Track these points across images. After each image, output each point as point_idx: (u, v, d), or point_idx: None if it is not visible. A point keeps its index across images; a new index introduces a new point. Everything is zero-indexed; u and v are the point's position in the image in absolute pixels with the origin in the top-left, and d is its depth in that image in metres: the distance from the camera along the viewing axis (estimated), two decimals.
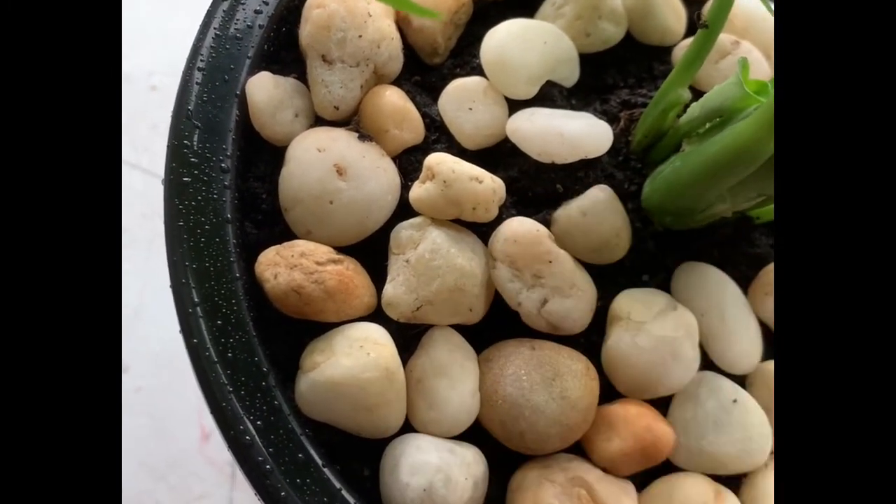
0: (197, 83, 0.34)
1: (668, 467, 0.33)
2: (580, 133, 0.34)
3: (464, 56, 0.38)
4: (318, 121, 0.36)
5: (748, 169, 0.27)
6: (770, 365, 0.34)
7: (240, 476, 0.61)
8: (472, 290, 0.33)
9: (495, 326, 0.34)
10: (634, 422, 0.32)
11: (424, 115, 0.36)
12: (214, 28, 0.35)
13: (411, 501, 0.30)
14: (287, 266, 0.32)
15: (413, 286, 0.32)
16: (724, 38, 0.37)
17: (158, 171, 0.64)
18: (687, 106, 0.33)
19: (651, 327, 0.32)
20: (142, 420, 0.60)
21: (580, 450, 0.33)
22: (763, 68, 0.38)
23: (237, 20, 0.36)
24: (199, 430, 0.61)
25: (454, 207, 0.33)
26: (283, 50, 0.37)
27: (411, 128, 0.36)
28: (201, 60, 0.35)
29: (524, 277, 0.33)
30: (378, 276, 0.34)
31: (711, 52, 0.33)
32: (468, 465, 0.31)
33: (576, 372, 0.32)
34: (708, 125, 0.32)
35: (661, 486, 0.32)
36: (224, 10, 0.36)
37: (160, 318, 0.62)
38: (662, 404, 0.34)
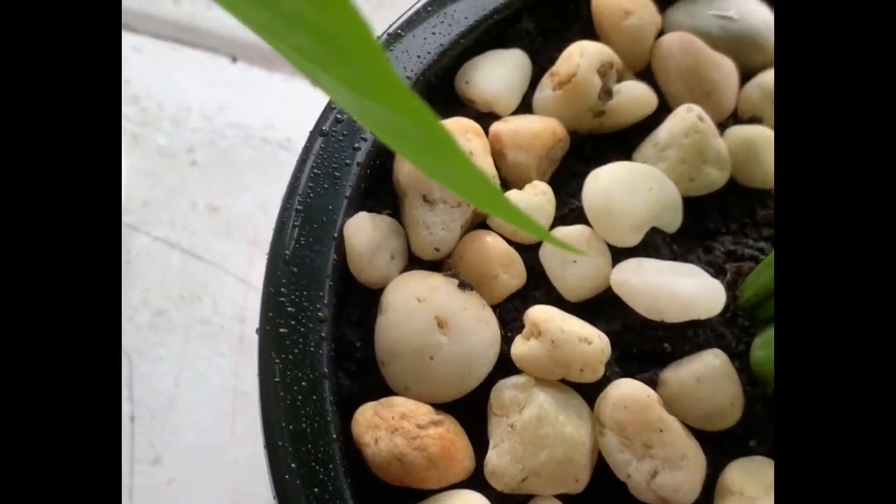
0: (295, 225, 0.33)
1: None
2: (693, 294, 0.33)
3: (561, 195, 0.36)
4: (412, 261, 0.35)
5: None
6: None
7: None
8: (581, 460, 0.31)
9: (600, 495, 0.32)
10: None
11: (523, 259, 0.35)
12: (312, 166, 0.34)
13: None
14: (388, 430, 0.30)
15: (519, 455, 0.31)
16: None
17: (198, 252, 0.62)
18: None
19: (764, 503, 0.31)
20: None
21: None
22: None
23: (335, 157, 0.34)
24: None
25: (561, 369, 0.32)
26: (377, 186, 0.36)
27: (518, 272, 0.34)
28: (299, 201, 0.33)
29: (634, 447, 0.31)
30: (476, 435, 0.32)
31: None
32: None
33: None
34: None
35: None
36: (321, 147, 0.35)
37: (195, 408, 0.60)
38: None
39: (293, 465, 0.30)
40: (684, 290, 0.33)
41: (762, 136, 0.38)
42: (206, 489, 0.58)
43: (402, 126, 0.18)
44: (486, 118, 0.37)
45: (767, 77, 0.40)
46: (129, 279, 0.61)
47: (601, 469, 0.32)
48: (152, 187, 0.65)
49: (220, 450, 0.57)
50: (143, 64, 0.67)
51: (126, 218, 0.62)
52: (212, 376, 0.59)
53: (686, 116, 0.36)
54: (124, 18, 0.69)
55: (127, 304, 0.60)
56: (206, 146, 0.67)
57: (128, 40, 0.69)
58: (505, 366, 0.33)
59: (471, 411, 0.33)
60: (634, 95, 0.37)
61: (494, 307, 0.34)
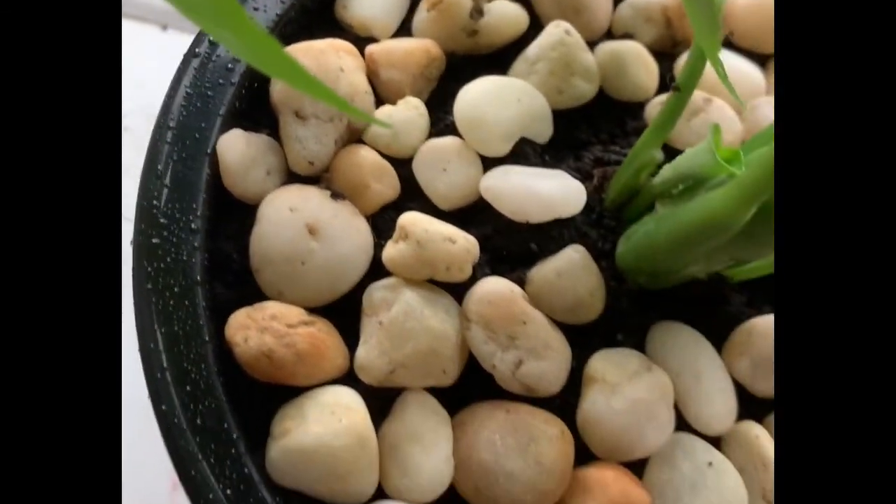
0: (167, 142, 0.34)
1: None
2: (555, 193, 0.34)
3: (437, 113, 0.38)
4: (290, 177, 0.36)
5: (721, 238, 0.27)
6: (746, 427, 0.34)
7: None
8: (446, 352, 0.32)
9: (469, 388, 0.33)
10: (610, 486, 0.32)
11: (399, 174, 0.36)
12: (185, 86, 0.35)
13: None
14: (258, 329, 0.32)
15: (386, 349, 0.32)
16: (696, 95, 0.38)
17: (128, 214, 0.63)
18: (660, 166, 0.33)
19: (626, 389, 0.32)
20: None
21: None
22: (735, 127, 0.38)
23: (208, 78, 0.35)
24: (169, 479, 0.60)
25: (427, 268, 0.33)
26: (255, 107, 0.37)
27: (390, 183, 0.35)
28: (171, 119, 0.34)
29: (499, 339, 0.32)
30: (350, 337, 0.33)
31: (684, 110, 0.33)
32: None
33: (551, 437, 0.32)
34: (681, 187, 0.32)
35: None
36: (195, 69, 0.35)
37: (130, 364, 0.61)
38: (638, 466, 0.33)
39: (165, 365, 0.31)
40: (545, 190, 0.34)
41: (631, 50, 0.39)
42: (144, 442, 0.59)
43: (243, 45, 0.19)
44: (366, 42, 0.39)
45: None
46: None
47: (472, 366, 0.33)
48: None
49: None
50: None
51: None
52: None
53: (554, 31, 0.38)
54: None
55: None
56: (138, 113, 0.68)
57: None
58: (378, 272, 0.34)
59: (345, 315, 0.34)
60: (505, 14, 0.39)
61: (370, 218, 0.35)
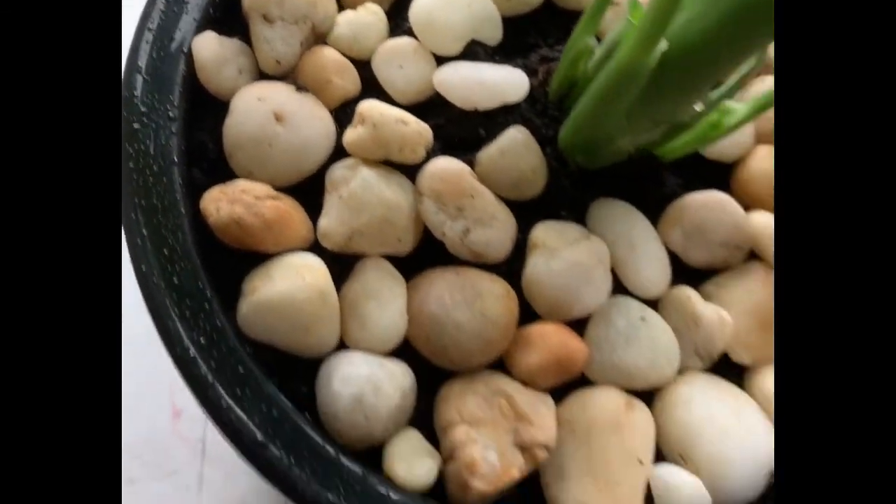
0: (147, 42, 0.38)
1: (584, 383, 0.36)
2: (498, 79, 0.37)
3: (396, 20, 0.41)
4: (261, 77, 0.39)
5: (632, 88, 0.30)
6: (679, 290, 0.37)
7: (209, 451, 0.64)
8: (400, 221, 0.36)
9: (425, 258, 0.37)
10: (550, 338, 0.35)
11: (360, 75, 0.39)
12: None
13: (343, 409, 0.33)
14: (228, 201, 0.35)
15: (345, 218, 0.35)
16: None
17: None
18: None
19: (565, 253, 0.35)
20: None
21: (503, 369, 0.36)
22: None
23: None
24: (170, 408, 0.64)
25: (382, 148, 0.36)
26: (229, 15, 0.40)
27: (351, 78, 0.39)
28: (151, 23, 0.38)
29: (448, 210, 0.36)
30: (315, 214, 0.37)
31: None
32: (396, 377, 0.34)
33: (496, 293, 0.35)
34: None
35: (577, 398, 0.35)
36: None
37: (131, 298, 0.64)
38: (580, 327, 0.36)
39: (145, 232, 0.34)
40: (490, 77, 0.37)
41: None
42: (146, 374, 0.63)
43: None
44: None
45: None
46: None
47: (428, 241, 0.37)
48: None
49: (156, 336, 0.62)
50: None
51: None
52: None
53: None
54: None
55: None
56: None
57: None
58: (340, 157, 0.37)
59: (310, 195, 0.37)
60: None
61: (333, 112, 0.39)
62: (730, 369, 0.37)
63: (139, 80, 0.37)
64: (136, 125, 0.36)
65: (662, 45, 0.29)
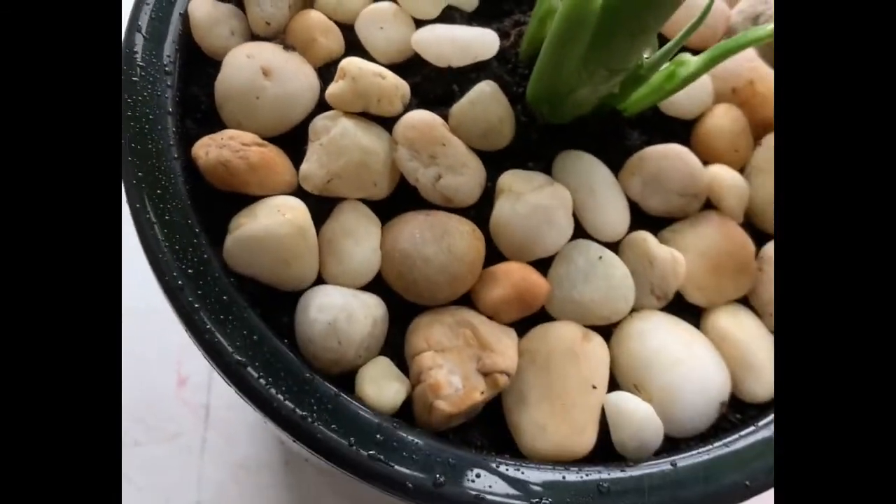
0: (147, 3, 0.41)
1: (545, 318, 0.38)
2: (470, 37, 0.40)
3: None
4: (252, 39, 0.42)
5: (582, 33, 0.32)
6: (636, 234, 0.39)
7: (212, 416, 0.67)
8: (376, 166, 0.38)
9: (400, 203, 0.39)
10: (513, 274, 0.37)
11: (344, 37, 0.42)
12: None
13: (318, 333, 0.35)
14: (217, 146, 0.38)
15: (324, 162, 0.38)
16: None
17: None
18: None
19: (529, 197, 0.38)
20: (122, 366, 0.65)
21: (470, 304, 0.38)
22: None
23: None
24: (175, 375, 0.67)
25: (361, 100, 0.39)
26: None
27: (335, 38, 0.42)
28: None
29: (421, 158, 0.38)
30: (299, 163, 0.39)
31: None
32: (369, 306, 0.37)
33: (462, 232, 0.37)
34: None
35: (538, 331, 0.38)
36: None
37: (137, 268, 0.67)
38: (543, 268, 0.39)
39: (139, 173, 0.37)
40: (462, 35, 0.40)
41: None
42: (152, 343, 0.66)
43: None
44: None
45: None
46: None
47: (403, 189, 0.39)
48: None
49: (163, 305, 0.65)
50: None
51: None
52: None
53: None
54: None
55: None
56: None
57: None
58: (324, 111, 0.40)
59: (297, 146, 0.40)
60: None
61: (318, 71, 0.41)
62: (685, 310, 0.40)
63: (139, 38, 0.40)
64: (134, 78, 0.39)
65: None
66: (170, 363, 0.68)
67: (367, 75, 0.38)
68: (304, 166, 0.38)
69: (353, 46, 0.42)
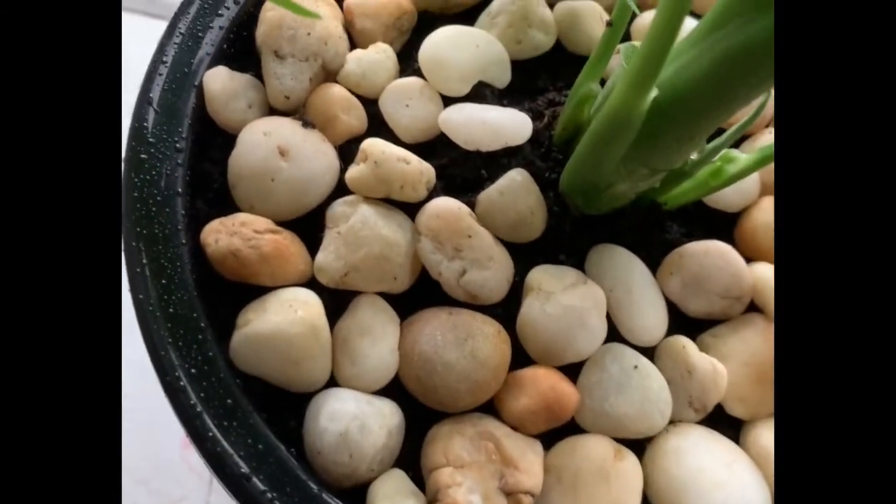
0: (159, 74, 0.38)
1: (574, 429, 0.35)
2: (501, 120, 0.37)
3: (407, 62, 0.42)
4: (270, 112, 0.40)
5: (626, 134, 0.30)
6: (674, 339, 0.37)
7: (217, 481, 0.64)
8: (397, 259, 0.36)
9: (420, 297, 0.37)
10: (541, 382, 0.34)
11: (367, 112, 0.40)
12: (179, 28, 0.39)
13: (328, 444, 0.33)
14: (228, 233, 0.35)
15: (342, 254, 0.36)
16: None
17: None
18: None
19: (560, 297, 0.35)
20: (126, 426, 0.62)
21: (493, 412, 0.35)
22: None
23: (199, 22, 0.40)
24: (180, 436, 0.64)
25: (384, 186, 0.36)
26: (243, 52, 0.41)
27: (358, 115, 0.39)
28: (165, 56, 0.39)
29: (445, 250, 0.36)
30: (314, 249, 0.37)
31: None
32: (384, 415, 0.34)
33: (487, 334, 0.35)
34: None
35: (566, 445, 0.35)
36: (190, 14, 0.40)
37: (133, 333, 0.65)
38: (574, 373, 0.36)
39: (144, 261, 0.35)
40: (493, 118, 0.37)
41: (587, 7, 0.43)
42: (156, 404, 0.62)
43: None
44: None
45: None
46: None
47: (425, 280, 0.37)
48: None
49: None
50: None
51: None
52: None
53: None
54: None
55: None
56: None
57: None
58: (342, 194, 0.38)
59: (312, 231, 0.37)
60: None
61: (339, 148, 0.39)
62: (725, 422, 0.37)
63: (150, 112, 0.38)
64: (143, 155, 0.37)
65: (654, 92, 0.29)
66: (174, 423, 0.65)
67: (390, 160, 0.36)
68: (319, 257, 0.36)
69: (376, 122, 0.40)
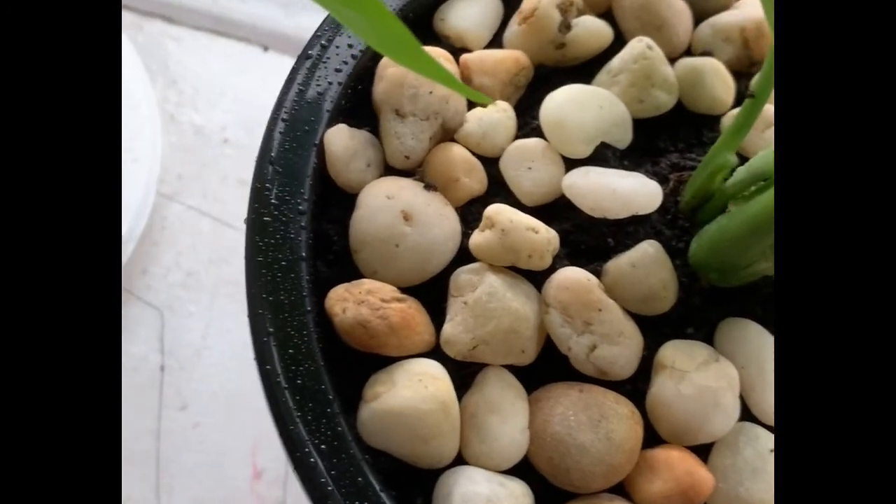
0: (280, 132, 0.38)
1: None
2: (632, 190, 0.36)
3: (524, 118, 0.41)
4: (388, 170, 0.39)
5: None
6: None
7: None
8: (526, 332, 0.35)
9: (546, 369, 0.36)
10: (676, 466, 0.33)
11: (487, 172, 0.39)
12: (298, 83, 0.39)
13: None
14: (355, 302, 0.35)
15: (470, 326, 0.35)
16: (769, 108, 0.40)
17: (227, 220, 0.68)
18: (733, 170, 0.35)
19: (694, 376, 0.34)
20: (198, 457, 0.62)
21: (623, 492, 0.35)
22: None
23: (318, 77, 0.39)
24: (251, 468, 0.64)
25: (511, 255, 0.35)
26: (358, 106, 0.40)
27: (479, 178, 0.38)
28: (285, 112, 0.38)
29: (575, 324, 0.35)
30: (437, 316, 0.36)
31: (757, 120, 0.35)
32: (517, 497, 0.33)
33: (621, 415, 0.34)
34: (753, 188, 0.34)
35: None
36: (307, 69, 0.39)
37: (220, 359, 0.65)
38: (703, 451, 0.35)
39: (271, 329, 0.34)
40: (623, 187, 0.36)
41: (709, 65, 0.41)
42: (229, 433, 0.63)
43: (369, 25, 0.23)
44: (461, 52, 0.42)
45: (719, 18, 0.43)
46: (164, 244, 0.67)
47: (549, 350, 0.36)
48: (187, 162, 0.71)
49: (242, 397, 0.62)
50: (181, 52, 0.75)
51: (162, 189, 0.68)
52: (236, 331, 0.64)
53: (636, 45, 0.40)
54: (167, 12, 0.75)
55: (160, 265, 0.66)
56: (237, 126, 0.73)
57: (169, 31, 0.76)
58: (464, 258, 0.37)
59: (433, 296, 0.37)
60: (591, 28, 0.42)
61: (458, 210, 0.38)
62: None
63: (270, 170, 0.37)
64: (266, 218, 0.36)
65: None
66: (245, 454, 0.65)
67: (518, 229, 0.35)
68: (447, 328, 0.35)
69: (495, 182, 0.39)
